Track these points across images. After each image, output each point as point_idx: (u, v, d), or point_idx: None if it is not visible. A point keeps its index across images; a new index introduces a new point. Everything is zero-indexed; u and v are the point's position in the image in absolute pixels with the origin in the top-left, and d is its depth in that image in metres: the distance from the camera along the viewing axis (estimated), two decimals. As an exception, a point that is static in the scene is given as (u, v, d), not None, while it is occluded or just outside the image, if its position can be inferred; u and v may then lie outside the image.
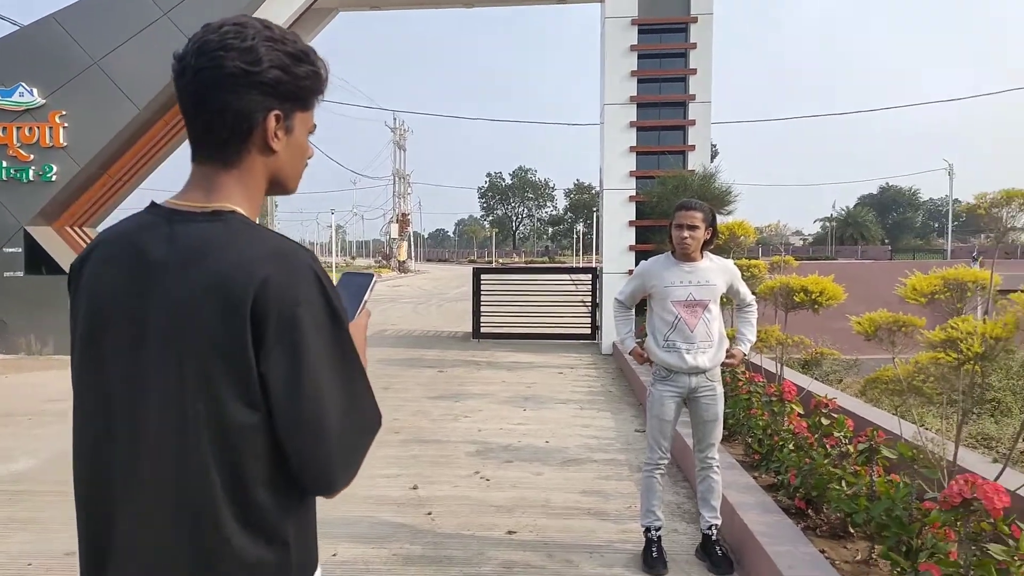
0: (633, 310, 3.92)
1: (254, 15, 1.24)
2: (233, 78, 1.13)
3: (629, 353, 3.83)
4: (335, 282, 1.25)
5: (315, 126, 1.27)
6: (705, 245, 3.63)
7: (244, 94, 1.14)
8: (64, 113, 11.07)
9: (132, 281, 1.14)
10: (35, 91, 11.05)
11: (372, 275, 1.42)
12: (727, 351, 3.67)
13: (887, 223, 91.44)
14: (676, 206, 3.61)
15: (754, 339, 3.84)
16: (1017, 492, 2.99)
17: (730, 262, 3.79)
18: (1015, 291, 2.69)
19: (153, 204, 1.22)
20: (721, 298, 3.71)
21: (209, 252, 1.11)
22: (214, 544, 1.11)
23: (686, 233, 3.51)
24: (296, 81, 1.18)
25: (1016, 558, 2.36)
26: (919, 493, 2.97)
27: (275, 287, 1.08)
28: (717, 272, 3.63)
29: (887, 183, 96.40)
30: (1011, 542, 2.46)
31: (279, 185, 1.26)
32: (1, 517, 4.41)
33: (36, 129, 11.05)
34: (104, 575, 1.17)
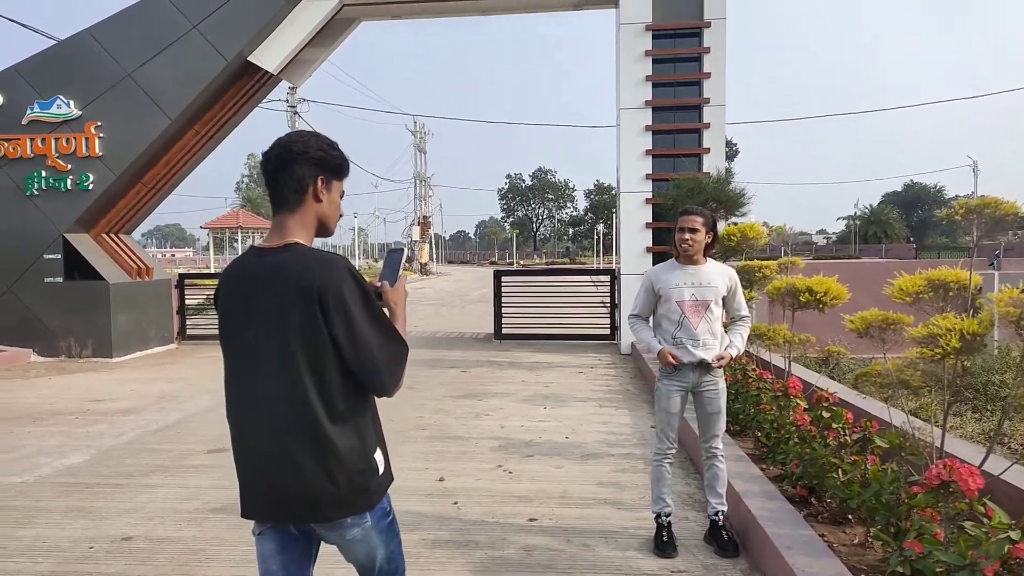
0: (650, 319, 4.12)
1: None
2: (297, 156, 1.96)
3: (657, 356, 3.93)
4: (385, 256, 2.21)
5: (344, 192, 2.09)
6: (707, 249, 3.89)
7: (303, 165, 1.96)
8: (100, 124, 11.54)
9: (247, 292, 1.96)
10: (72, 103, 11.54)
11: (403, 249, 2.29)
12: (715, 356, 3.84)
13: (912, 221, 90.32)
14: (679, 212, 3.87)
15: (742, 348, 3.99)
16: (999, 476, 3.22)
17: (731, 269, 4.03)
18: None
19: (252, 247, 2.04)
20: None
21: (290, 268, 1.90)
22: (314, 432, 1.89)
23: (687, 236, 3.78)
24: (333, 160, 2.01)
25: (989, 534, 2.59)
26: (908, 478, 3.21)
27: (327, 282, 1.86)
28: (718, 275, 3.89)
29: (912, 180, 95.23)
30: (985, 520, 2.70)
31: (323, 226, 2.04)
32: (60, 507, 4.77)
33: (73, 140, 11.53)
34: (243, 461, 1.99)
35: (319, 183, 1.97)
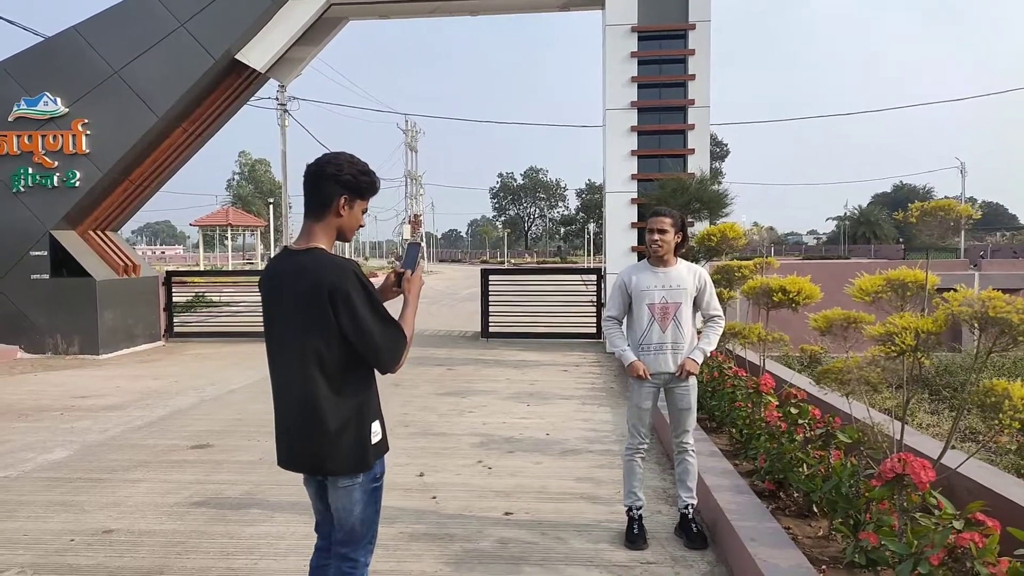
0: (624, 319, 4.16)
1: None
2: (329, 176, 2.36)
3: (628, 366, 3.98)
4: (405, 248, 2.56)
5: (366, 209, 2.49)
6: (677, 249, 3.98)
7: (333, 184, 2.37)
8: (87, 121, 11.55)
9: (278, 285, 2.41)
10: (59, 100, 11.55)
11: (420, 243, 3.24)
12: (680, 363, 3.91)
13: (902, 222, 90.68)
14: (649, 213, 3.95)
15: (710, 350, 4.01)
16: (956, 470, 3.32)
17: (702, 268, 4.11)
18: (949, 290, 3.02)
19: (285, 248, 2.46)
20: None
21: (308, 269, 2.33)
22: (316, 404, 2.33)
23: (656, 236, 3.87)
24: (359, 183, 2.40)
25: (939, 525, 2.69)
26: (865, 471, 3.31)
27: (336, 281, 2.27)
28: (688, 276, 3.96)
29: (901, 182, 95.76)
30: (936, 511, 2.80)
31: (341, 234, 2.45)
32: (42, 501, 4.82)
33: (60, 137, 11.54)
34: (276, 422, 2.48)
35: (342, 201, 2.37)
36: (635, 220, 11.52)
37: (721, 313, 4.14)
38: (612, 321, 4.16)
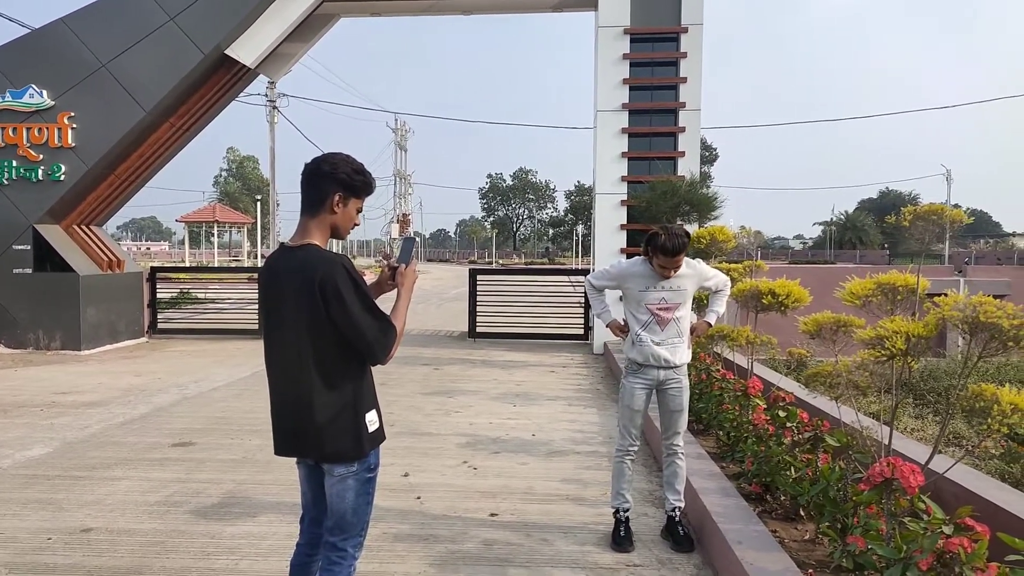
0: (604, 292, 4.27)
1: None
2: (325, 174, 2.43)
3: (607, 325, 4.19)
4: (401, 242, 2.65)
5: (361, 208, 2.54)
6: None
7: (328, 182, 2.42)
8: (73, 114, 11.40)
9: (275, 280, 2.47)
10: (45, 92, 11.40)
11: (414, 238, 2.98)
12: (692, 324, 4.04)
13: (888, 228, 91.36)
14: (658, 246, 3.76)
15: (722, 311, 4.21)
16: (943, 475, 3.32)
17: (697, 263, 4.09)
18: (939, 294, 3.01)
19: (281, 244, 2.52)
20: (698, 295, 4.07)
21: (303, 264, 2.39)
22: (311, 393, 2.38)
23: (671, 273, 3.86)
24: (353, 182, 2.45)
25: (927, 529, 2.68)
26: (854, 475, 3.30)
27: (326, 275, 2.32)
28: (687, 277, 3.94)
29: (887, 188, 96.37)
30: (924, 516, 2.79)
31: (336, 231, 2.50)
32: (19, 499, 4.73)
33: (45, 130, 11.39)
34: (272, 409, 2.53)
35: (336, 198, 2.43)
36: (624, 222, 11.51)
37: (727, 280, 4.25)
38: (592, 287, 4.26)
